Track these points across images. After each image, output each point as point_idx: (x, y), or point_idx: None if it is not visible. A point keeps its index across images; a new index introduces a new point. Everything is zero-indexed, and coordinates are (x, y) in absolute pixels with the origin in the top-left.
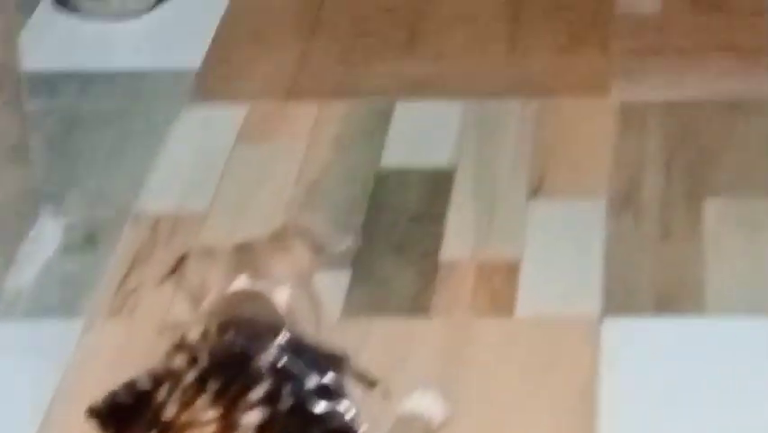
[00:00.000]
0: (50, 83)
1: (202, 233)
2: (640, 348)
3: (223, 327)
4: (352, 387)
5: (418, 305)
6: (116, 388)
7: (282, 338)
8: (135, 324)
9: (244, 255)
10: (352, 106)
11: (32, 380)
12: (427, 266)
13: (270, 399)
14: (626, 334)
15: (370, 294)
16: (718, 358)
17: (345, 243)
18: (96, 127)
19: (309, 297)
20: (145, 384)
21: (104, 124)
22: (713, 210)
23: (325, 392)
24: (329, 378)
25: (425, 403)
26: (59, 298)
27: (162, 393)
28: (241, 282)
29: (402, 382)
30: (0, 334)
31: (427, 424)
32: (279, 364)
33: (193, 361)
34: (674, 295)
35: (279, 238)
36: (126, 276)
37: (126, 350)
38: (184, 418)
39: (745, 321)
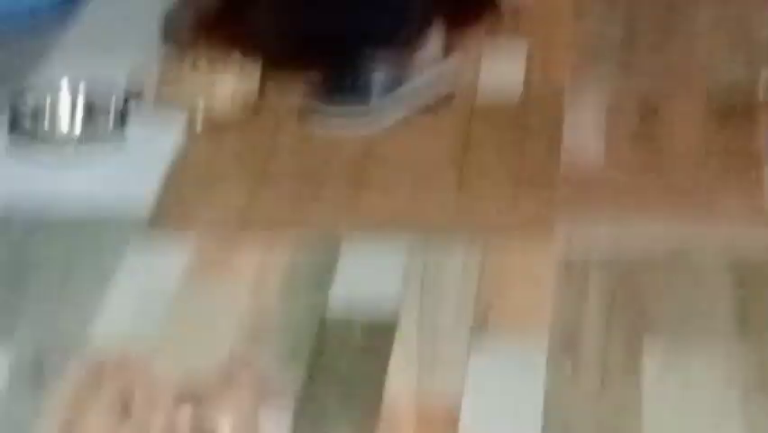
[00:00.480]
0: None
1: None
2: None
3: None
4: None
5: None
6: None
7: None
8: None
9: (191, 389)
10: (299, 241)
11: None
12: (370, 408)
13: None
14: None
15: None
16: None
17: (290, 381)
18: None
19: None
20: None
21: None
22: (652, 359)
23: None
24: None
25: None
26: None
27: None
28: (186, 415)
29: None
30: None
31: None
32: None
33: None
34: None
35: (226, 372)
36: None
37: None
38: None
39: None
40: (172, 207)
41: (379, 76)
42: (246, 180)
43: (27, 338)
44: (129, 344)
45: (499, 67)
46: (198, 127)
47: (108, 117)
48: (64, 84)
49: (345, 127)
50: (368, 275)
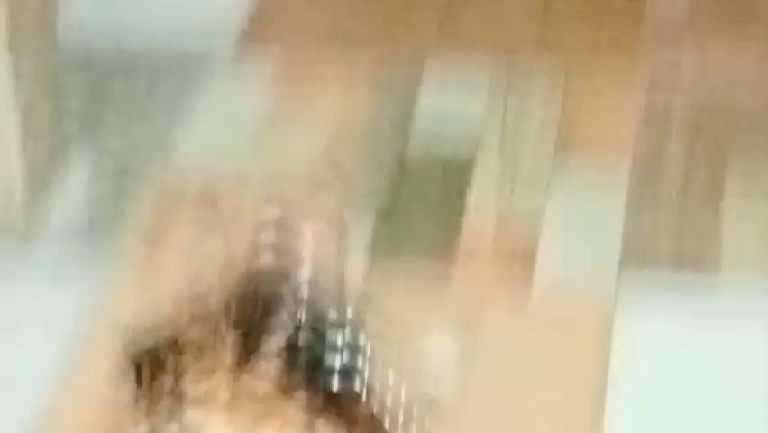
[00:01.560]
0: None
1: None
2: (653, 340)
3: (241, 301)
4: (369, 330)
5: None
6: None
7: (299, 316)
8: (157, 292)
9: (277, 188)
10: (386, 57)
11: (52, 326)
12: (452, 217)
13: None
14: (640, 324)
15: (391, 238)
16: (731, 337)
17: (374, 183)
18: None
19: (338, 234)
20: (166, 352)
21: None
22: (733, 193)
23: (343, 330)
24: (348, 316)
25: (442, 349)
26: (86, 245)
27: (180, 363)
28: (272, 212)
29: (421, 327)
30: (26, 279)
31: (444, 369)
32: (298, 343)
33: (213, 330)
34: (692, 257)
35: (312, 176)
36: (151, 233)
37: (150, 300)
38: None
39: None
40: (259, 24)
41: None
42: None
43: (111, 149)
44: (215, 153)
45: None
46: None
47: None
48: None
49: None
50: (451, 95)
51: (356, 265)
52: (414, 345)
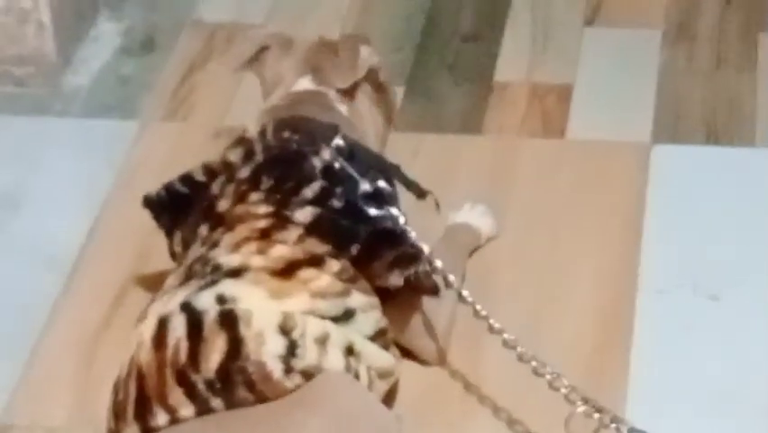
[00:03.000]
0: None
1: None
2: (688, 175)
3: (280, 126)
4: (403, 195)
5: (470, 122)
6: (172, 179)
7: (338, 141)
8: (191, 127)
9: (313, 57)
10: None
11: (88, 176)
12: (480, 86)
13: (323, 198)
14: (675, 160)
15: (422, 110)
16: (764, 186)
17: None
18: None
19: (369, 100)
20: (200, 176)
21: None
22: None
23: (377, 197)
24: (381, 184)
25: (474, 217)
26: (116, 98)
27: (217, 186)
28: (305, 83)
29: (451, 196)
30: (57, 130)
31: (476, 236)
32: (334, 166)
33: (249, 156)
34: (725, 125)
35: (346, 42)
36: (182, 81)
37: (182, 150)
38: (237, 211)
39: None
40: None
41: None
42: None
43: (137, 15)
44: (238, 19)
45: None
46: None
47: None
48: None
49: None
50: None
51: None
52: (445, 219)
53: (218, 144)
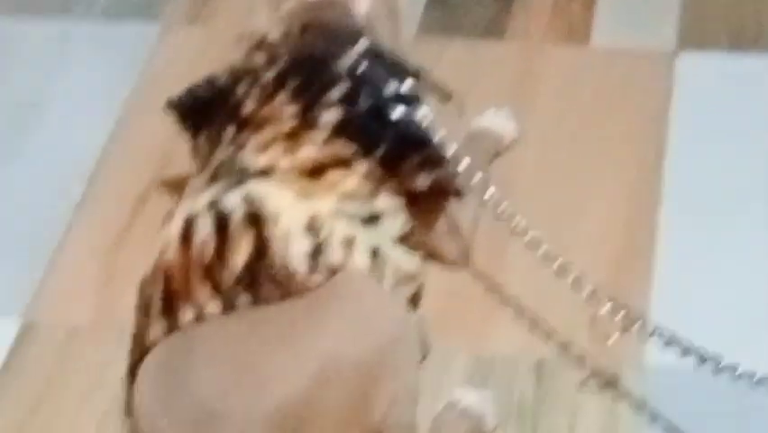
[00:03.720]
0: None
1: None
2: (714, 84)
3: (303, 30)
4: (427, 98)
5: (494, 28)
6: (196, 83)
7: (362, 45)
8: (213, 30)
9: None
10: None
11: (110, 78)
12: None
13: (349, 100)
14: (701, 69)
15: (446, 15)
16: None
17: None
18: None
19: (390, 8)
20: (225, 80)
21: None
22: None
23: (403, 99)
24: (407, 86)
25: (497, 121)
26: (138, 0)
27: (242, 89)
28: None
29: (475, 100)
30: (78, 32)
31: (499, 140)
32: (359, 69)
33: (273, 59)
34: (751, 32)
35: None
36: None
37: (204, 54)
38: (263, 113)
39: None
40: None
41: None
42: None
43: None
44: None
45: None
46: None
47: None
48: None
49: None
50: None
51: (408, 43)
52: (469, 122)
53: (240, 48)
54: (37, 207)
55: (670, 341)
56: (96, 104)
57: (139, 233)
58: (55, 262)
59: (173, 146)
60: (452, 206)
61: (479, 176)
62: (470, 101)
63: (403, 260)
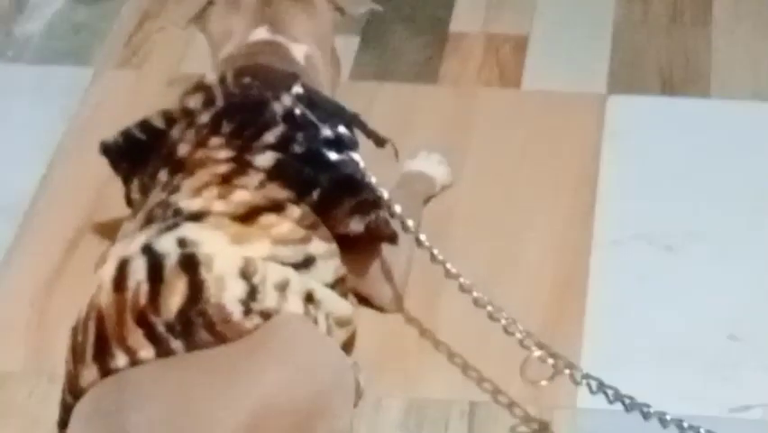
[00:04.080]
0: None
1: None
2: (643, 126)
3: (240, 73)
4: (362, 143)
5: (426, 72)
6: (130, 125)
7: (297, 89)
8: (145, 74)
9: (267, 8)
10: None
11: (41, 123)
12: (436, 36)
13: (284, 143)
14: (630, 111)
15: (378, 60)
16: (723, 143)
17: (366, 6)
18: None
19: (330, 53)
20: (159, 122)
21: None
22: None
23: (337, 143)
24: (341, 130)
25: (430, 164)
26: (70, 45)
27: (176, 132)
28: (261, 33)
29: (408, 144)
30: (10, 77)
31: (431, 183)
32: (295, 112)
33: (209, 102)
34: (680, 77)
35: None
36: (136, 28)
37: (136, 98)
38: (197, 156)
39: (750, 105)
40: None
41: None
42: None
43: None
44: None
45: None
46: None
47: None
48: None
49: None
50: None
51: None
52: (402, 166)
53: (173, 92)
54: None
55: (598, 389)
56: (28, 147)
57: (70, 278)
58: None
59: (106, 190)
60: (386, 250)
61: (412, 220)
62: (404, 145)
63: (337, 304)
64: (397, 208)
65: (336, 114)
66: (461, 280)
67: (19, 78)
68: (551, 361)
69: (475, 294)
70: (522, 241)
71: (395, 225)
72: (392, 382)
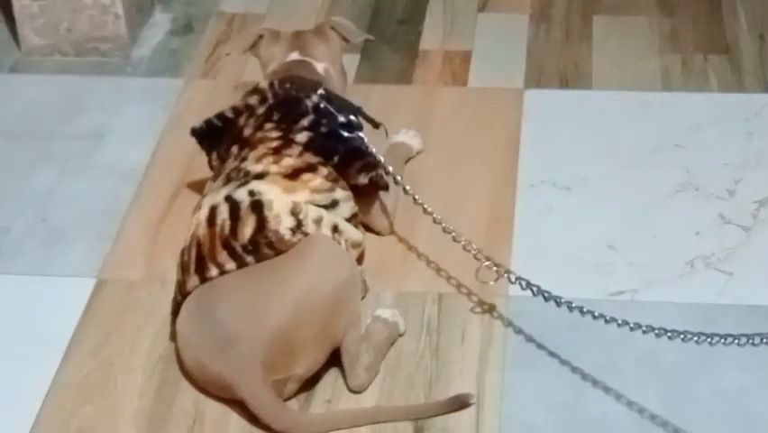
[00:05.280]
0: None
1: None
2: (548, 109)
3: (282, 81)
4: (364, 126)
5: (404, 77)
6: (210, 116)
7: (321, 91)
8: (218, 83)
9: (297, 39)
10: None
11: (151, 115)
12: (410, 52)
13: (314, 126)
14: (541, 101)
15: (371, 70)
16: (601, 119)
17: (362, 37)
18: None
19: (340, 68)
20: (230, 114)
21: None
22: (600, 23)
23: (349, 126)
24: (351, 117)
25: (409, 137)
26: (167, 64)
27: (242, 120)
28: (294, 55)
29: (393, 125)
30: (129, 86)
31: (410, 150)
32: (320, 106)
33: (263, 100)
34: (572, 76)
35: (321, 30)
36: (211, 52)
37: (213, 99)
38: (257, 136)
39: (619, 94)
40: None
41: None
42: None
43: (180, 8)
44: (248, 10)
45: None
46: None
47: None
48: None
49: None
50: None
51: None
52: (390, 139)
53: (238, 94)
54: (102, 202)
55: (526, 286)
56: (141, 133)
57: (173, 218)
58: (116, 240)
59: (195, 161)
60: (382, 195)
61: (399, 176)
62: (391, 126)
63: (352, 232)
64: (390, 168)
65: (347, 107)
66: (435, 216)
67: (135, 86)
68: (495, 268)
69: (444, 225)
70: (468, 187)
71: (388, 179)
72: (386, 281)
